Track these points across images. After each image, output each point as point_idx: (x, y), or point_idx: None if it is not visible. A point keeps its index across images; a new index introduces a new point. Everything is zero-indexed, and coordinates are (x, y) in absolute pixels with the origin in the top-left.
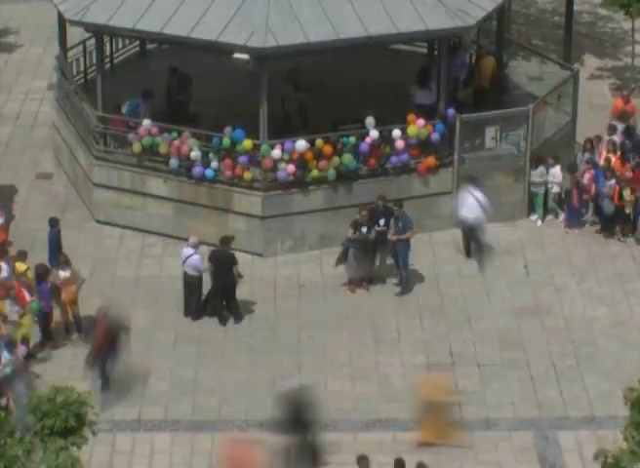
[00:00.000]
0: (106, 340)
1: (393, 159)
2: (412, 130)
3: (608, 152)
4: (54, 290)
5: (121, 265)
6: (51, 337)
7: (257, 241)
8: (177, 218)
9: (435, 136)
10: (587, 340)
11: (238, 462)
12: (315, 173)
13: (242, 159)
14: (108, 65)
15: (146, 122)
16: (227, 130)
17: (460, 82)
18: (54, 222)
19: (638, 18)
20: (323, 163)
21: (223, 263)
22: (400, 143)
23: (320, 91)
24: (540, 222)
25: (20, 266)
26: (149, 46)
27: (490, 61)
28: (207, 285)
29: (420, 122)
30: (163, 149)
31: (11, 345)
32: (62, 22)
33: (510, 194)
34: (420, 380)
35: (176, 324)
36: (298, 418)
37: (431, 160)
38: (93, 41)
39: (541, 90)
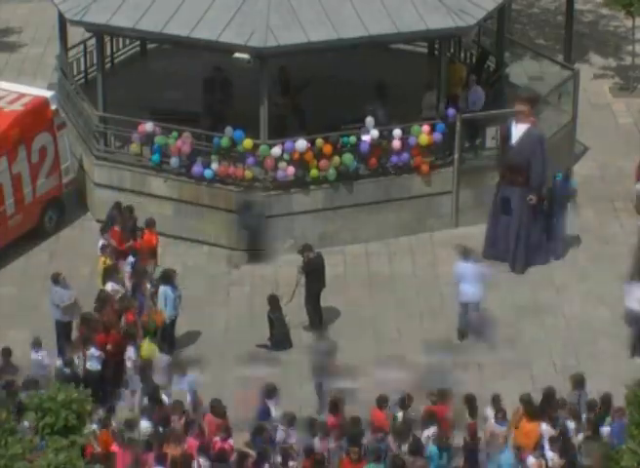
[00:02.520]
0: None
1: (393, 159)
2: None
3: None
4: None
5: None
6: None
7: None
8: (177, 218)
9: (437, 136)
10: (587, 340)
11: None
12: (315, 172)
13: (249, 160)
14: (109, 65)
15: (149, 124)
16: (227, 130)
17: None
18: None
19: (639, 17)
20: (323, 162)
21: None
22: (400, 143)
23: (311, 90)
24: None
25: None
26: (149, 46)
27: (460, 68)
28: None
29: (426, 128)
30: (173, 149)
31: None
32: (63, 22)
33: None
34: None
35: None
36: None
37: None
38: (93, 41)
39: (542, 90)
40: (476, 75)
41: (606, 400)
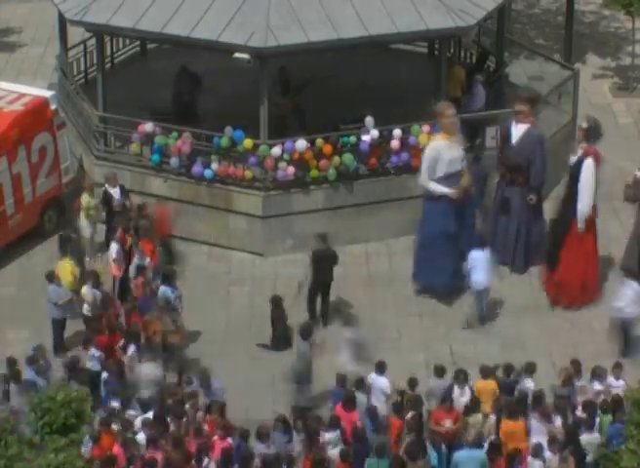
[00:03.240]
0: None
1: (393, 159)
2: (422, 139)
3: None
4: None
5: None
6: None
7: (257, 241)
8: (177, 218)
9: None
10: (587, 340)
11: None
12: (315, 172)
13: (250, 160)
14: (109, 65)
15: (149, 124)
16: (227, 130)
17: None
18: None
19: (639, 17)
20: (323, 162)
21: None
22: (401, 143)
23: (311, 90)
24: None
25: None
26: (149, 46)
27: (459, 71)
28: None
29: (426, 128)
30: (173, 149)
31: None
32: (63, 22)
33: None
34: None
35: None
36: None
37: None
38: (93, 41)
39: (542, 90)
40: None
41: (616, 400)
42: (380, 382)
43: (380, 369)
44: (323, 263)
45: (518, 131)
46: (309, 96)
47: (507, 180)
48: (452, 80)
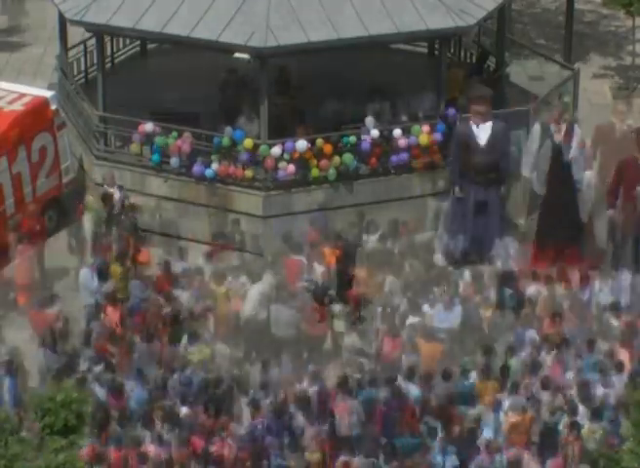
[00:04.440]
0: None
1: (393, 158)
2: (422, 139)
3: None
4: None
5: None
6: None
7: (257, 241)
8: (177, 218)
9: (438, 137)
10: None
11: None
12: (315, 172)
13: (244, 156)
14: (109, 65)
15: (149, 124)
16: (227, 130)
17: None
18: None
19: (639, 16)
20: (323, 162)
21: None
22: (402, 142)
23: (311, 90)
24: None
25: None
26: (149, 46)
27: (456, 72)
28: None
29: (426, 128)
30: (173, 149)
31: None
32: (63, 22)
33: (511, 193)
34: None
35: None
36: None
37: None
38: (93, 41)
39: (542, 90)
40: (477, 75)
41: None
42: (413, 390)
43: (410, 375)
44: (345, 258)
45: (483, 130)
46: (309, 96)
47: (481, 183)
48: (450, 81)
